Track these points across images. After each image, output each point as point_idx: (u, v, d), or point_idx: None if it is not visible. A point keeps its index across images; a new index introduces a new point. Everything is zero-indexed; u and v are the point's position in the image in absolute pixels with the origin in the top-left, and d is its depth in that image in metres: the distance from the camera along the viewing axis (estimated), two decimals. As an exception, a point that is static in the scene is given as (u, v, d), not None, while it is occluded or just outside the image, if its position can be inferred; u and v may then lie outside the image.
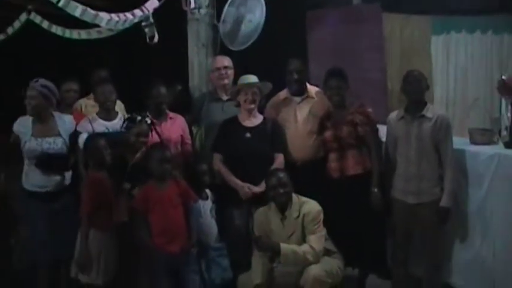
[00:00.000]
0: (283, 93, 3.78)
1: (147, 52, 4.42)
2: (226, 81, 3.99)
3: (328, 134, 3.62)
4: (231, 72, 4.00)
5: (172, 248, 3.30)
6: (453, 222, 3.40)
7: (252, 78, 3.66)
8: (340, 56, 4.67)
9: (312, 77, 4.22)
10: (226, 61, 4.04)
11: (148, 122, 3.53)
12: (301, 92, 3.75)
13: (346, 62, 4.15)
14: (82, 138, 3.45)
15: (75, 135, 3.50)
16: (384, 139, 3.58)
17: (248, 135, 3.61)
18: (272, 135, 3.60)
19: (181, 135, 3.83)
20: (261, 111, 3.76)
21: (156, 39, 3.91)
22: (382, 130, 3.59)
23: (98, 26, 3.64)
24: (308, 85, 3.82)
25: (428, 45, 5.17)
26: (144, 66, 5.48)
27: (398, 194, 3.45)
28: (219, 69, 3.99)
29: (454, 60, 5.37)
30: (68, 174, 3.48)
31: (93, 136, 3.46)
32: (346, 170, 3.54)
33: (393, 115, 3.55)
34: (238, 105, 3.71)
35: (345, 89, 3.61)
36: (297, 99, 3.76)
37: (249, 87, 3.63)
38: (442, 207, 3.31)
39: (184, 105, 4.05)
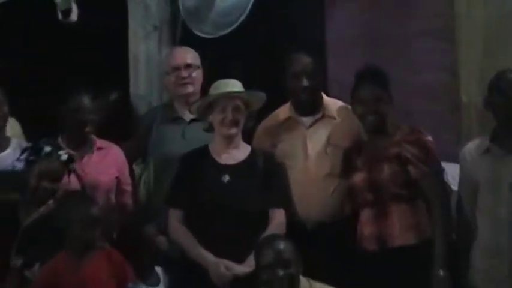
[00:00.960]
0: (284, 111, 3.62)
1: (64, 40, 4.47)
2: (190, 88, 3.73)
3: (358, 178, 3.35)
4: (197, 74, 3.77)
5: None
6: None
7: (234, 85, 3.39)
8: (376, 47, 4.43)
9: (332, 83, 4.22)
10: (189, 56, 3.77)
11: (63, 156, 3.36)
12: (314, 108, 3.55)
13: (386, 59, 4.05)
14: None
15: None
16: (454, 187, 3.47)
17: (226, 178, 3.35)
18: (266, 178, 3.37)
19: (117, 178, 3.67)
20: (248, 139, 3.52)
21: (74, 16, 3.89)
22: (452, 171, 3.49)
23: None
24: (325, 97, 3.61)
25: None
26: (57, 63, 5.13)
27: (481, 280, 3.22)
28: (178, 69, 3.71)
29: None
30: None
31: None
32: (389, 238, 3.28)
33: (471, 147, 3.28)
34: (210, 129, 3.41)
35: (386, 103, 3.34)
36: (307, 120, 3.54)
37: (229, 99, 3.36)
38: None
39: (123, 127, 3.99)
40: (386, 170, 3.36)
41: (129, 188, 3.76)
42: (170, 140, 3.76)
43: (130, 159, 3.84)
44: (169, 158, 3.64)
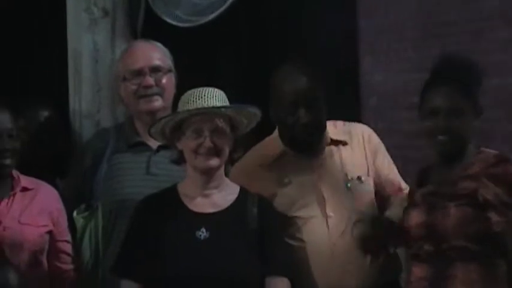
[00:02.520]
0: (275, 144, 3.59)
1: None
2: (158, 102, 3.69)
3: (414, 219, 3.27)
4: (168, 80, 3.73)
5: None
6: None
7: (213, 97, 3.33)
8: (429, 39, 4.39)
9: (367, 89, 4.30)
10: (157, 55, 3.77)
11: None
12: (316, 142, 3.54)
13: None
14: None
15: None
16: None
17: (203, 234, 3.26)
18: (262, 232, 3.31)
19: (50, 232, 3.48)
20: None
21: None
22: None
23: None
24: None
25: None
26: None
27: None
28: (140, 73, 3.68)
29: None
30: None
31: None
32: None
33: None
34: (179, 160, 3.35)
35: (470, 116, 3.24)
36: (309, 158, 3.55)
37: (206, 118, 3.29)
38: None
39: (59, 158, 3.94)
40: (454, 214, 3.16)
41: (67, 247, 3.56)
42: (128, 176, 3.65)
43: (70, 203, 3.63)
44: (127, 204, 3.46)
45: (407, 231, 3.31)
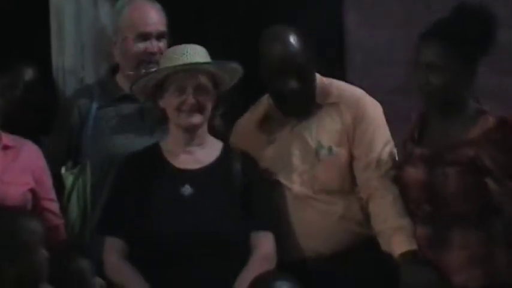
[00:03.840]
0: (263, 106, 3.61)
1: None
2: (156, 66, 3.62)
3: (413, 175, 3.29)
4: (165, 45, 3.72)
5: None
6: None
7: (196, 53, 3.38)
8: None
9: (352, 48, 4.34)
10: (162, 20, 3.75)
11: None
12: (304, 105, 3.54)
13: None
14: None
15: None
16: None
17: (188, 190, 3.30)
18: (245, 187, 3.37)
19: (32, 190, 3.44)
20: (222, 135, 3.54)
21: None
22: None
23: None
24: (320, 78, 3.56)
25: None
26: None
27: None
28: (147, 37, 3.68)
29: None
30: None
31: None
32: (446, 272, 3.20)
33: None
34: (163, 117, 3.38)
35: (465, 67, 3.19)
36: (294, 121, 3.58)
37: (189, 74, 3.32)
38: None
39: (43, 115, 3.92)
40: (453, 178, 3.18)
41: (52, 206, 3.51)
42: (118, 130, 3.61)
43: (55, 163, 3.61)
44: (117, 158, 3.48)
45: (406, 186, 3.30)
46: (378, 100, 3.67)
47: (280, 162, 3.55)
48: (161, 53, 3.68)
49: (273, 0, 4.50)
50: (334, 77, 3.77)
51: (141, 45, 3.68)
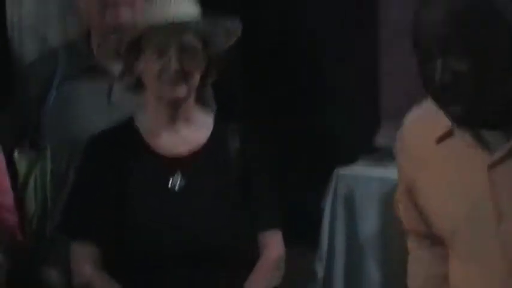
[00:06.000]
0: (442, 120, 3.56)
1: None
2: (126, 13, 3.29)
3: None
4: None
5: None
6: None
7: (180, 6, 3.07)
8: None
9: None
10: None
11: None
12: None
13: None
14: None
15: None
16: None
17: (178, 182, 3.05)
18: (246, 174, 3.11)
19: None
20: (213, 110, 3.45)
21: None
22: None
23: None
24: None
25: None
26: None
27: None
28: None
29: None
30: None
31: None
32: None
33: None
34: (137, 87, 3.09)
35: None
36: (494, 141, 3.37)
37: (172, 32, 3.00)
38: None
39: None
40: None
41: (7, 197, 3.14)
42: (85, 107, 3.29)
43: (8, 145, 3.26)
44: (84, 141, 3.11)
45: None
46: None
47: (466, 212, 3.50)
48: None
49: None
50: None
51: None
